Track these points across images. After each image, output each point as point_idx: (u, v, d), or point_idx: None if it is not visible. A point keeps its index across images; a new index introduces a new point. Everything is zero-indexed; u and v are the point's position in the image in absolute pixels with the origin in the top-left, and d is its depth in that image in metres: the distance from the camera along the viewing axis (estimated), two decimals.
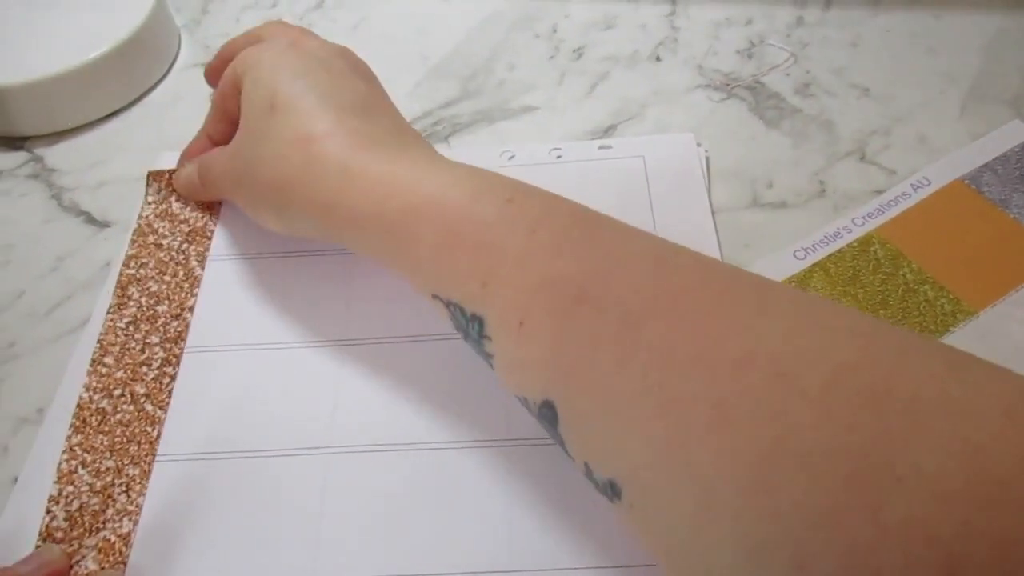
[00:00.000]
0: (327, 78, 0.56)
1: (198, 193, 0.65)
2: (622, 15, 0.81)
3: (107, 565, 0.49)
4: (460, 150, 0.71)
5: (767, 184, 0.66)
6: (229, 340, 0.60)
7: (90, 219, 0.69)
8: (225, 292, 0.62)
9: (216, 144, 0.64)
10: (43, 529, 0.49)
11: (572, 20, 0.81)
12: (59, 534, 0.49)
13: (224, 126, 0.63)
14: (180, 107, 0.76)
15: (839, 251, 0.61)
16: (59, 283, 0.65)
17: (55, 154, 0.73)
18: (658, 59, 0.76)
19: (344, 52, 0.61)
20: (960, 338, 0.56)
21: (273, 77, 0.55)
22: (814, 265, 0.60)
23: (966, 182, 0.64)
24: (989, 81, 0.72)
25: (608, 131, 0.71)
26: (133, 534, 0.50)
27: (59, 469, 0.51)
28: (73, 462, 0.52)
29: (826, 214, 0.64)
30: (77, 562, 0.49)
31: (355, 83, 0.57)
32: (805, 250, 0.61)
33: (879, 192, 0.65)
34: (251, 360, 0.59)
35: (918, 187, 0.64)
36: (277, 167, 0.53)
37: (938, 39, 0.76)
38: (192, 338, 0.60)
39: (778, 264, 0.61)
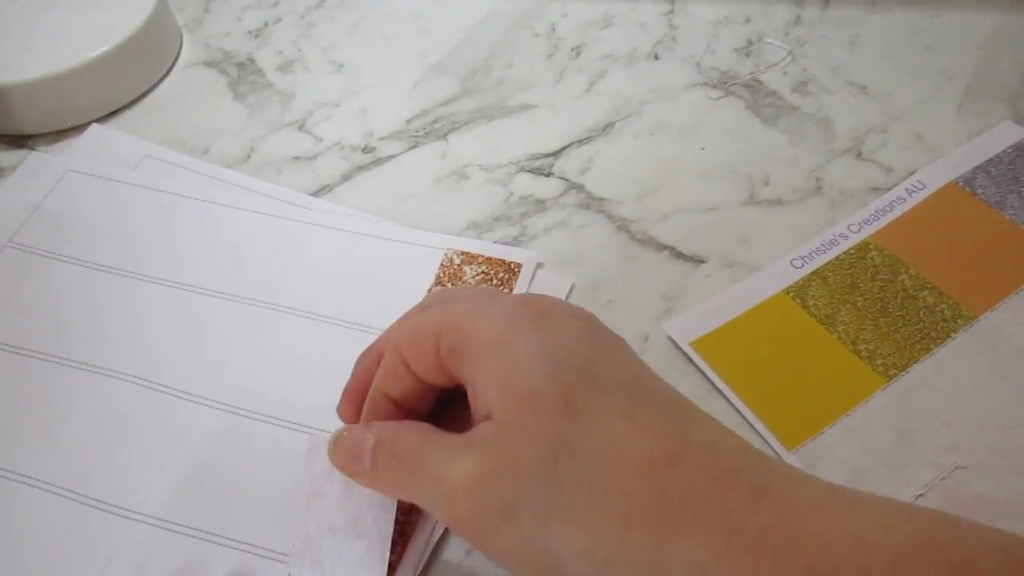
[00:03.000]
0: (612, 358, 0.39)
1: (364, 477, 0.43)
2: (620, 14, 0.78)
3: None
4: (459, 149, 0.68)
5: (763, 181, 0.64)
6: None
7: None
8: None
9: (404, 408, 0.44)
10: None
11: (570, 19, 0.78)
12: None
13: (412, 385, 0.43)
14: (181, 106, 0.73)
15: (837, 259, 0.58)
16: None
17: (57, 152, 0.70)
18: (656, 57, 0.73)
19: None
20: (961, 344, 0.53)
21: (559, 357, 0.38)
22: (812, 274, 0.58)
23: (960, 184, 0.62)
24: (986, 79, 0.69)
25: (606, 128, 0.68)
26: None
27: None
28: None
29: (822, 211, 0.62)
30: None
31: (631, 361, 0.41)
32: (803, 258, 0.59)
33: (875, 189, 0.63)
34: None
35: (913, 191, 0.62)
36: (608, 500, 0.36)
37: (935, 38, 0.73)
38: None
39: (776, 273, 0.58)
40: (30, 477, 0.51)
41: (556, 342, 0.38)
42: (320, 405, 0.48)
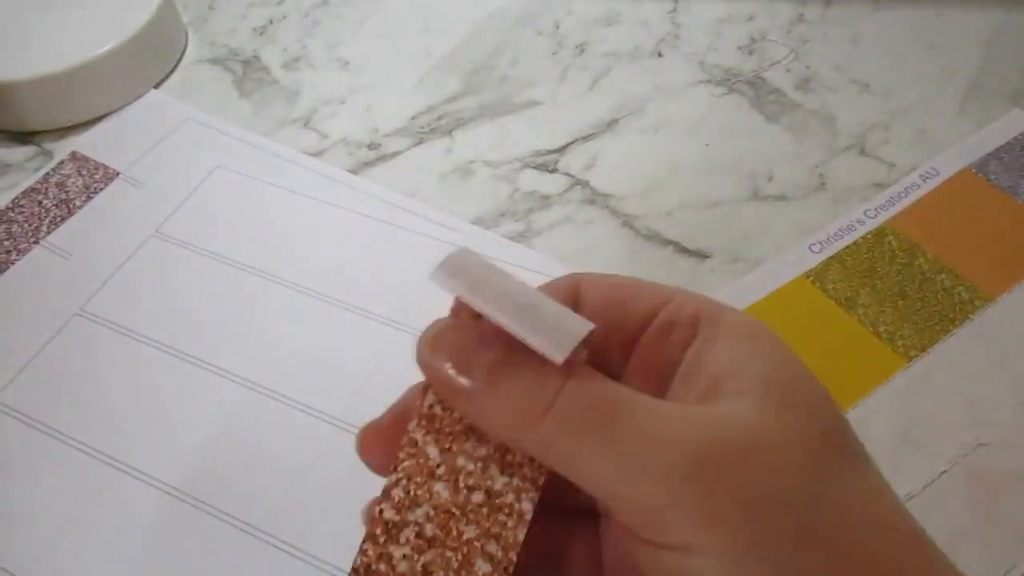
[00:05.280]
0: None
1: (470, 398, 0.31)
2: (624, 12, 0.77)
3: None
4: (464, 145, 0.68)
5: (767, 177, 0.64)
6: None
7: None
8: None
9: None
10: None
11: (574, 16, 0.77)
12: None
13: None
14: (187, 103, 0.72)
15: (854, 243, 0.58)
16: None
17: (63, 148, 0.69)
18: (660, 55, 0.73)
19: None
20: (978, 325, 0.54)
21: (827, 400, 0.31)
22: (831, 258, 0.58)
23: (973, 171, 0.62)
24: (988, 76, 0.69)
25: (610, 125, 0.68)
26: None
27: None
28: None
29: (826, 207, 0.62)
30: None
31: None
32: (821, 243, 0.59)
33: (878, 185, 0.62)
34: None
35: (927, 177, 0.62)
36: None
37: (938, 35, 0.73)
38: None
39: (795, 258, 0.58)
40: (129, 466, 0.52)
41: (795, 364, 0.32)
42: None
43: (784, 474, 0.28)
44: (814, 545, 0.27)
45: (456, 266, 0.31)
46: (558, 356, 0.29)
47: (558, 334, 0.29)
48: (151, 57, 0.73)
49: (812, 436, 0.29)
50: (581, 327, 0.30)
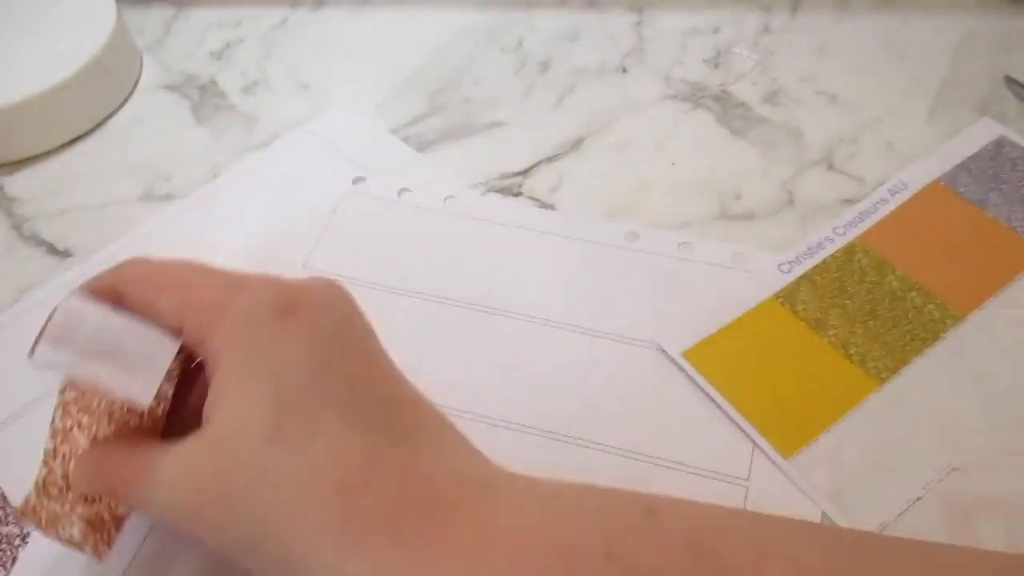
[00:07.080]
0: (340, 377, 0.39)
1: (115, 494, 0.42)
2: (588, 26, 0.76)
3: (93, 539, 0.42)
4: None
5: (735, 195, 0.63)
6: None
7: (51, 249, 0.64)
8: None
9: None
10: (39, 481, 0.42)
11: (538, 33, 0.76)
12: (54, 490, 0.42)
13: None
14: (143, 130, 0.72)
15: (824, 262, 0.57)
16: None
17: (15, 183, 0.68)
18: (624, 70, 0.72)
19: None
20: (950, 344, 0.53)
21: (280, 377, 0.38)
22: (800, 278, 0.56)
23: (943, 183, 0.61)
24: (956, 85, 0.68)
25: (576, 144, 0.67)
26: (127, 520, 0.44)
27: (54, 425, 0.43)
28: (68, 420, 0.43)
29: (795, 224, 0.61)
30: (63, 527, 0.42)
31: (368, 369, 0.41)
32: (790, 263, 0.57)
33: (848, 201, 0.61)
34: None
35: (896, 192, 0.61)
36: (299, 522, 0.36)
37: (905, 43, 0.72)
38: None
39: (764, 279, 0.57)
40: None
41: (285, 357, 0.38)
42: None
43: (229, 477, 0.37)
44: None
45: (56, 336, 0.40)
46: (144, 402, 0.40)
47: (141, 378, 0.40)
48: (105, 86, 0.72)
49: (248, 446, 0.37)
50: (162, 357, 0.40)
